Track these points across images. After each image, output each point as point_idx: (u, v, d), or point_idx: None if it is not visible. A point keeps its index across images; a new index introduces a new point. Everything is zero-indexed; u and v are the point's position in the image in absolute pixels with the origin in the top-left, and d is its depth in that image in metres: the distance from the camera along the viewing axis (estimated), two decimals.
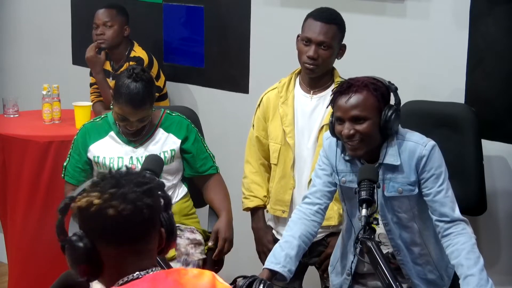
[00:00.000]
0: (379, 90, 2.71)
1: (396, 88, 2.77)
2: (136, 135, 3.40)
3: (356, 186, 2.73)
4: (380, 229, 2.84)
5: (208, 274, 1.83)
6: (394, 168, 2.76)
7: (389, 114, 2.70)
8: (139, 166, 3.29)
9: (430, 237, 2.85)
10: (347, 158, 2.82)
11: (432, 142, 2.78)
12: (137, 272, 1.79)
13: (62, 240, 1.82)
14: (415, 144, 2.76)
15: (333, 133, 2.79)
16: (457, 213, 2.74)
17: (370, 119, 2.69)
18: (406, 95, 3.53)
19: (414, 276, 2.86)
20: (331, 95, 2.79)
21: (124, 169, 1.86)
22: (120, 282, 1.78)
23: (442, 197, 2.74)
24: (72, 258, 1.80)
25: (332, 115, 2.77)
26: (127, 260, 1.79)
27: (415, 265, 2.86)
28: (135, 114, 3.28)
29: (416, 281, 2.86)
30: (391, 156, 2.75)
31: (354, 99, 2.68)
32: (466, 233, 2.71)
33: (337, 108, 2.73)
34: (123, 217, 1.76)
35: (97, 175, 1.87)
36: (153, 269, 1.81)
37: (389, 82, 2.77)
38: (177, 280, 1.78)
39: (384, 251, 2.85)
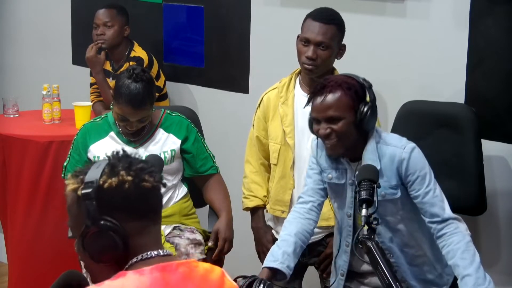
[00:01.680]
0: (352, 88, 2.72)
1: (370, 85, 2.78)
2: (136, 135, 3.40)
3: (343, 182, 2.78)
4: None
5: (218, 270, 1.84)
6: None
7: (364, 111, 2.71)
8: None
9: (423, 237, 2.84)
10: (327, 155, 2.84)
11: (411, 144, 2.77)
12: (153, 252, 1.80)
13: (94, 226, 1.78)
14: (394, 148, 2.76)
15: (311, 130, 2.82)
16: (447, 212, 2.74)
17: (344, 118, 2.71)
18: (406, 95, 3.54)
19: (410, 278, 2.86)
20: (308, 95, 2.81)
21: (121, 152, 1.87)
22: (134, 260, 1.79)
23: (431, 197, 2.74)
24: (104, 243, 1.77)
25: (310, 113, 2.80)
26: (147, 234, 1.81)
27: (412, 267, 2.86)
28: (135, 114, 3.28)
29: (413, 282, 2.85)
30: (371, 161, 2.74)
31: (328, 99, 2.70)
32: (459, 232, 2.71)
33: (312, 108, 2.76)
34: (155, 189, 1.82)
35: (108, 158, 1.85)
36: (165, 251, 1.82)
37: (364, 79, 2.78)
38: (187, 272, 1.78)
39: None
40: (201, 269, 1.81)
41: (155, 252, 1.80)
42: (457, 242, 2.68)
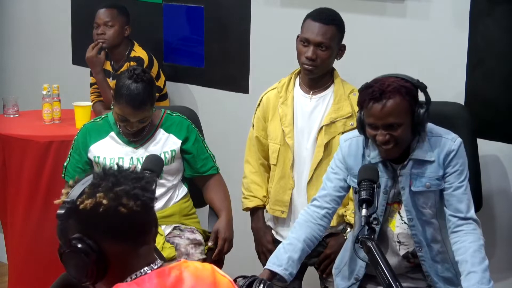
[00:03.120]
0: (410, 93, 2.71)
1: (425, 87, 2.77)
2: (137, 136, 3.40)
3: (379, 189, 2.75)
4: (399, 229, 2.85)
5: (208, 266, 1.85)
6: (422, 163, 2.78)
7: (421, 114, 2.71)
8: (140, 167, 3.29)
9: (448, 234, 2.85)
10: (373, 161, 2.81)
11: (460, 139, 2.81)
12: (145, 268, 1.79)
13: (66, 246, 1.77)
14: (445, 139, 2.80)
15: (362, 132, 2.78)
16: (471, 212, 2.78)
17: (404, 124, 2.71)
18: None
19: (433, 274, 2.87)
20: (360, 97, 2.75)
21: (115, 166, 1.86)
22: (128, 279, 1.78)
23: (461, 193, 2.77)
24: (77, 263, 1.76)
25: (361, 114, 2.76)
26: (134, 256, 1.79)
27: (434, 263, 2.87)
28: (136, 115, 3.28)
29: (435, 278, 2.87)
30: (424, 152, 2.77)
31: (388, 106, 2.67)
32: (476, 233, 2.74)
33: (370, 114, 2.71)
34: (134, 213, 1.77)
35: (92, 175, 1.83)
36: (157, 262, 1.82)
37: (418, 80, 2.77)
38: (178, 276, 1.79)
39: (404, 251, 2.86)
40: (192, 268, 1.82)
41: (147, 268, 1.79)
42: (471, 241, 2.71)
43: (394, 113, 2.68)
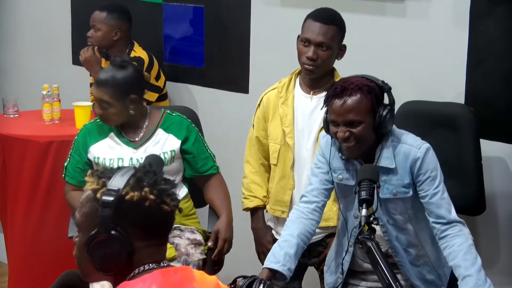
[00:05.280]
0: (372, 92, 2.72)
1: (389, 88, 2.78)
2: (135, 136, 3.40)
3: (353, 183, 2.77)
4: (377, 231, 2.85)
5: (213, 277, 1.88)
6: (388, 171, 2.77)
7: (383, 114, 2.71)
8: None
9: (426, 237, 2.86)
10: (344, 156, 2.83)
11: (426, 145, 2.79)
12: (152, 263, 1.81)
13: (103, 233, 1.77)
14: (410, 147, 2.77)
15: (328, 132, 2.81)
16: (453, 214, 2.76)
17: (364, 122, 2.70)
18: (405, 95, 3.54)
19: (413, 278, 2.87)
20: (325, 96, 2.79)
21: (147, 166, 1.87)
22: (136, 271, 1.80)
23: (438, 199, 2.76)
24: (109, 252, 1.77)
25: (326, 113, 2.78)
26: (154, 252, 1.82)
27: (413, 267, 2.87)
28: (97, 91, 3.31)
29: (416, 282, 2.87)
30: (386, 159, 2.76)
31: (348, 103, 2.69)
32: (462, 234, 2.73)
33: (331, 111, 2.74)
34: (171, 213, 1.83)
35: (134, 169, 1.84)
36: (164, 261, 1.84)
37: (383, 81, 2.78)
38: (184, 276, 1.81)
39: None
40: (197, 273, 1.85)
41: (155, 264, 1.81)
42: (459, 244, 2.70)
43: (354, 110, 2.68)
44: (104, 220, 1.77)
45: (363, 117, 2.70)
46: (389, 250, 2.86)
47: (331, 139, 2.84)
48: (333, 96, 2.72)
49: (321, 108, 2.86)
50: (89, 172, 1.86)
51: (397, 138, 2.79)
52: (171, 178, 3.39)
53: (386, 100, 2.79)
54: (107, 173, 1.83)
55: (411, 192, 2.78)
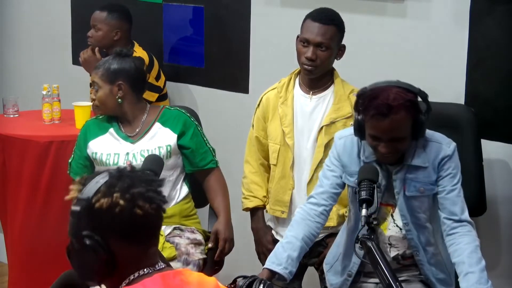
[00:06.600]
0: (414, 107, 2.70)
1: (426, 96, 2.76)
2: (132, 131, 3.41)
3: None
4: (390, 231, 2.85)
5: (212, 279, 1.86)
6: (416, 168, 2.79)
7: (421, 123, 2.72)
8: (135, 163, 3.30)
9: (440, 237, 2.87)
10: (367, 160, 2.82)
11: (454, 143, 2.83)
12: (147, 268, 1.80)
13: (76, 243, 1.77)
14: (439, 144, 2.81)
15: (359, 135, 2.77)
16: (465, 214, 2.78)
17: (407, 136, 2.72)
18: None
19: (431, 276, 2.89)
20: (364, 106, 2.70)
21: (127, 167, 1.85)
22: (132, 277, 1.79)
23: (455, 196, 2.78)
24: (86, 261, 1.76)
25: (359, 117, 2.73)
26: (141, 257, 1.80)
27: (430, 266, 2.88)
28: (93, 75, 3.48)
29: (433, 280, 2.89)
30: (420, 158, 2.78)
31: (393, 121, 2.66)
32: (471, 235, 2.75)
33: (374, 127, 2.69)
34: (148, 216, 1.78)
35: (108, 174, 1.81)
36: (159, 264, 1.82)
37: (420, 90, 2.75)
38: (183, 279, 1.80)
39: (394, 253, 2.86)
40: (196, 275, 1.84)
41: (151, 269, 1.79)
42: (466, 242, 2.72)
43: (399, 128, 2.68)
44: (73, 230, 1.78)
45: (406, 133, 2.71)
46: (406, 251, 2.87)
47: (357, 142, 2.82)
48: (378, 114, 2.66)
49: (352, 113, 2.81)
50: (77, 179, 1.84)
51: (426, 137, 2.80)
52: (168, 173, 3.41)
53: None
54: (88, 180, 1.81)
55: (436, 189, 2.81)
